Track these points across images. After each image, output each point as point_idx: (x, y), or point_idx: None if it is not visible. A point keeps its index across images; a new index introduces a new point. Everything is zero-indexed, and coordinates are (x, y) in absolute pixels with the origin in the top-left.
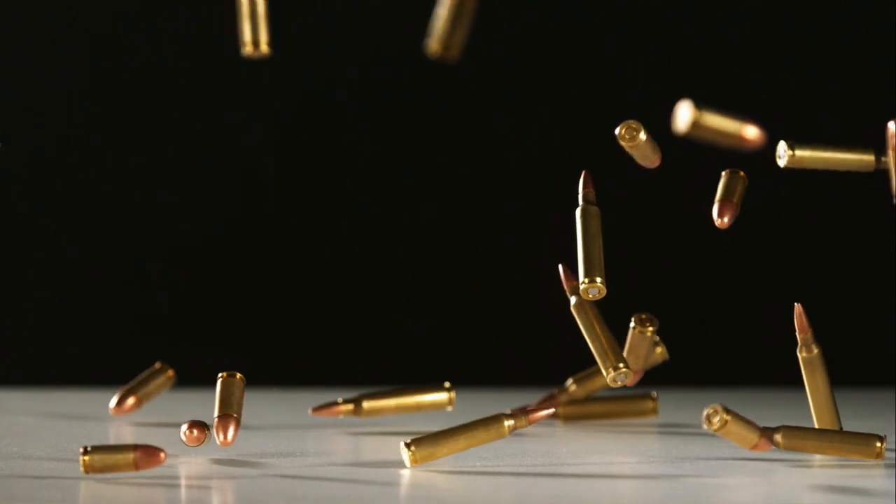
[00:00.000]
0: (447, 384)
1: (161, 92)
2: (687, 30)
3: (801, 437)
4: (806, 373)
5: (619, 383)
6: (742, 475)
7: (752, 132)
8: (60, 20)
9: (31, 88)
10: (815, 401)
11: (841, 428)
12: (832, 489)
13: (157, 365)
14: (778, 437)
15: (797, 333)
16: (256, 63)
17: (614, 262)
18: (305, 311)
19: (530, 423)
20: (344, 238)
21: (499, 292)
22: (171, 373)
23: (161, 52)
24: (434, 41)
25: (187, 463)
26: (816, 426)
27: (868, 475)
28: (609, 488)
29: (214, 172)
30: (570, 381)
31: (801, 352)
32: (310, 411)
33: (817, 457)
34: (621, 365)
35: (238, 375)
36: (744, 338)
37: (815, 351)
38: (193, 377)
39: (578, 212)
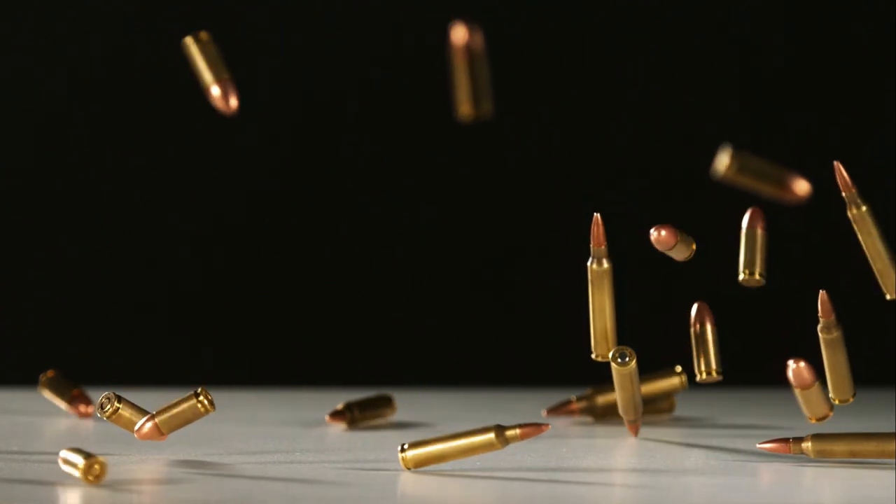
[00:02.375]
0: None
1: (160, 92)
2: (687, 29)
3: (830, 443)
4: (827, 352)
5: (622, 366)
6: (743, 475)
7: (802, 187)
8: (60, 20)
9: (31, 88)
10: (833, 374)
11: (854, 394)
12: (834, 488)
13: (50, 373)
14: (808, 446)
15: (821, 317)
16: (255, 64)
17: (620, 261)
18: (305, 311)
19: (522, 438)
20: (344, 238)
21: (499, 292)
22: (51, 373)
23: (160, 52)
24: (463, 106)
25: (186, 462)
26: (832, 394)
27: (870, 475)
28: (608, 488)
29: (215, 173)
30: (590, 391)
31: (822, 333)
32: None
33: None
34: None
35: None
36: (745, 338)
37: (836, 333)
38: (193, 377)
39: (590, 273)
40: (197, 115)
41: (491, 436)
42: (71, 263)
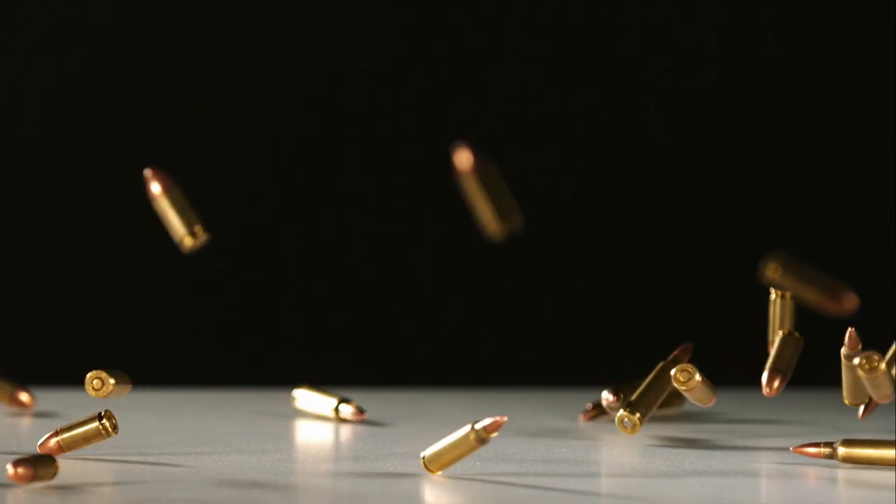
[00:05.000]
0: None
1: (159, 92)
2: (686, 29)
3: (859, 447)
4: (846, 372)
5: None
6: (743, 476)
7: (851, 301)
8: (60, 19)
9: (31, 88)
10: (850, 389)
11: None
12: (837, 488)
13: None
14: (837, 451)
15: (846, 347)
16: (254, 65)
17: (626, 262)
18: (306, 311)
19: (489, 433)
20: (343, 238)
21: (499, 293)
22: None
23: (160, 51)
24: (490, 226)
25: (185, 461)
26: (847, 400)
27: (874, 474)
28: (609, 488)
29: (214, 173)
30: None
31: (845, 358)
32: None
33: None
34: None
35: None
36: (748, 339)
37: (858, 360)
38: (193, 377)
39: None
40: (195, 117)
41: (469, 435)
42: (69, 263)
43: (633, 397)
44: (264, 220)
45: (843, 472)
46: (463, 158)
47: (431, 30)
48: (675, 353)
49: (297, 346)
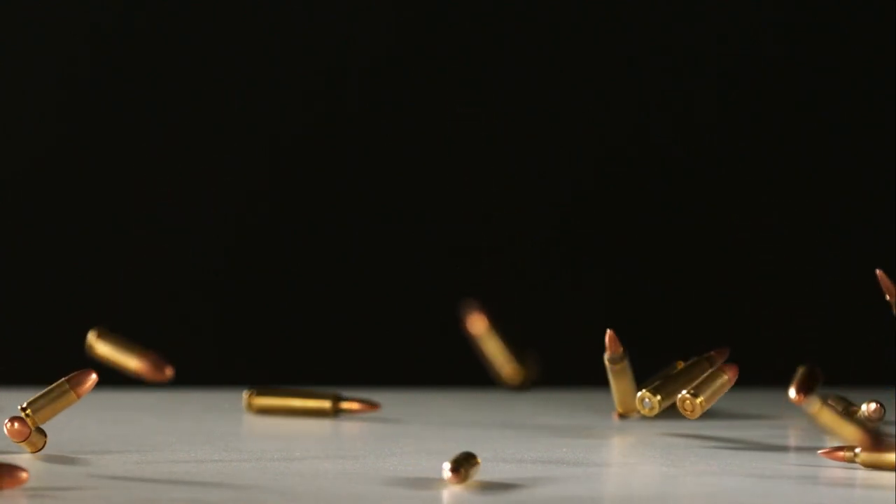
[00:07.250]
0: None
1: (159, 93)
2: (685, 29)
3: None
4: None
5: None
6: (745, 476)
7: (888, 446)
8: (62, 18)
9: (31, 88)
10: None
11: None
12: (836, 488)
13: None
14: (859, 454)
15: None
16: (254, 65)
17: (626, 262)
18: (305, 311)
19: (469, 475)
20: (342, 238)
21: (498, 293)
22: None
23: (159, 50)
24: (505, 370)
25: (185, 461)
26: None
27: (877, 474)
28: (609, 489)
29: (214, 174)
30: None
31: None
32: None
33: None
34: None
35: None
36: (748, 339)
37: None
38: (194, 377)
39: (608, 367)
40: (195, 116)
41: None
42: (69, 263)
43: (659, 382)
44: (264, 220)
45: (862, 475)
46: (476, 323)
47: (431, 30)
48: (712, 353)
49: (297, 346)
